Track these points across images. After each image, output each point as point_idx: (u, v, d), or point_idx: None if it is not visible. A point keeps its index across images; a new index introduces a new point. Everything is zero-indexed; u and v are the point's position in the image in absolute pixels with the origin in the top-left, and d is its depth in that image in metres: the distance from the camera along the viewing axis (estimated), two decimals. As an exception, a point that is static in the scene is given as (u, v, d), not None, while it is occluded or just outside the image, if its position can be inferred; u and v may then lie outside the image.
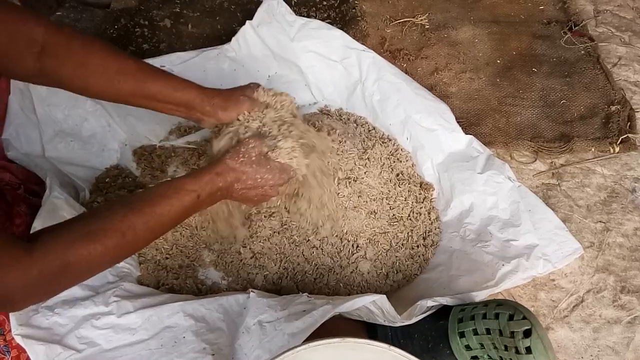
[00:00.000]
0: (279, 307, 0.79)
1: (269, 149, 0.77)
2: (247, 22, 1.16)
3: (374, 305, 0.77)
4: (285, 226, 0.94)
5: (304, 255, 0.93)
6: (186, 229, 0.94)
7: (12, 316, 0.72)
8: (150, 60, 1.12)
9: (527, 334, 0.69)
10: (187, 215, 0.73)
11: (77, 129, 1.01)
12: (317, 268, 0.93)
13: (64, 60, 0.73)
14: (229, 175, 0.75)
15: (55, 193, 0.83)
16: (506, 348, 0.71)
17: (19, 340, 0.70)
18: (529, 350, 0.69)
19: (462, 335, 0.75)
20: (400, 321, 0.78)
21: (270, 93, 0.84)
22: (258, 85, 0.85)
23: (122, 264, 0.86)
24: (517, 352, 0.70)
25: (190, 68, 1.14)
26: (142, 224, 0.65)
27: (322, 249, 0.94)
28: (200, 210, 0.76)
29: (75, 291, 0.77)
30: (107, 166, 1.04)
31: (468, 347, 0.75)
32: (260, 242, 0.93)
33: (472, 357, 0.75)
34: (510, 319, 0.72)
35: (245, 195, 0.78)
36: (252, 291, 0.82)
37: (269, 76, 1.18)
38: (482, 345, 0.74)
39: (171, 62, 1.13)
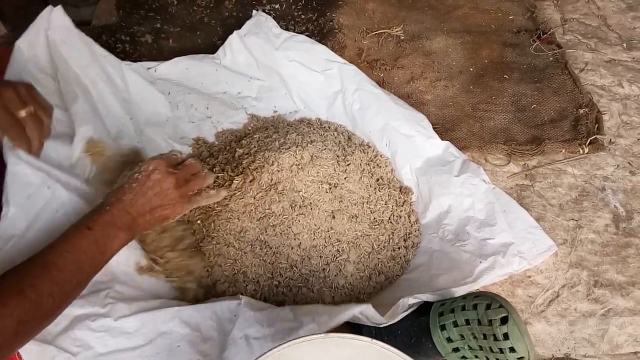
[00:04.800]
0: (266, 322, 0.79)
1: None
2: (235, 31, 1.20)
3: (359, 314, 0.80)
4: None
5: (288, 261, 0.95)
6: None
7: None
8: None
9: (504, 321, 0.72)
10: (89, 254, 0.68)
11: None
12: (302, 273, 0.95)
13: None
14: (114, 195, 0.73)
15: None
16: (485, 336, 0.74)
17: None
18: (506, 336, 0.72)
19: (443, 328, 0.78)
20: (384, 322, 0.80)
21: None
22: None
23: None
24: (496, 339, 0.72)
25: (173, 65, 1.17)
26: (48, 284, 0.62)
27: (306, 254, 0.96)
28: (107, 246, 0.71)
29: None
30: None
31: (449, 339, 0.78)
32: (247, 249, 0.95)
33: (453, 349, 0.78)
34: (487, 308, 0.74)
35: (149, 205, 0.75)
36: (241, 296, 0.83)
37: (250, 78, 1.21)
38: (462, 336, 0.76)
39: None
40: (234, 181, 0.96)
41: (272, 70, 1.19)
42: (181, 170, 0.80)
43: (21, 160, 0.77)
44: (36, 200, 0.78)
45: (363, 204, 1.02)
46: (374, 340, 0.63)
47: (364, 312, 0.78)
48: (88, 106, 0.95)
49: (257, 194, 0.95)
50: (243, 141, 1.08)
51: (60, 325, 0.72)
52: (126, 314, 0.76)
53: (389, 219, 1.02)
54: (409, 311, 0.83)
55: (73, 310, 0.73)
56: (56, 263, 0.64)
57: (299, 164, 0.98)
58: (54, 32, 0.96)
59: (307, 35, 1.22)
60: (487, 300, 0.75)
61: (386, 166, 1.11)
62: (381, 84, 1.25)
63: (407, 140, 1.09)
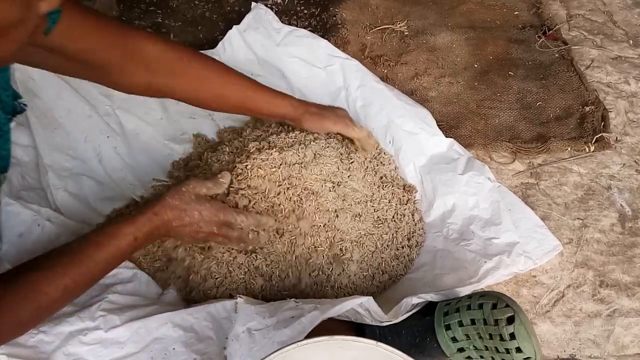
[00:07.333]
0: (267, 313, 0.79)
1: (207, 190, 0.82)
2: (234, 26, 1.18)
3: (361, 307, 0.78)
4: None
5: (290, 261, 0.94)
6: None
7: None
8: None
9: (510, 320, 0.71)
10: (125, 257, 0.76)
11: None
12: (304, 272, 0.93)
13: (178, 76, 0.82)
14: (167, 213, 0.77)
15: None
16: (491, 336, 0.73)
17: None
18: (512, 336, 0.71)
19: (448, 327, 0.77)
20: (387, 320, 0.79)
21: (357, 127, 0.96)
22: (346, 112, 0.97)
23: None
24: (502, 339, 0.71)
25: None
26: (82, 275, 0.69)
27: (309, 253, 0.94)
28: (140, 249, 0.79)
29: None
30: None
31: (454, 339, 0.77)
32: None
33: (458, 349, 0.77)
34: (493, 307, 0.73)
35: (180, 232, 0.80)
36: (239, 297, 0.83)
37: (251, 75, 1.19)
38: (467, 336, 0.75)
39: None
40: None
41: (274, 67, 1.18)
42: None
43: (14, 201, 0.84)
44: (27, 237, 0.84)
45: (366, 202, 1.00)
46: (379, 343, 0.62)
47: (366, 304, 0.77)
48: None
49: (260, 192, 0.94)
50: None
51: (54, 344, 0.72)
52: (117, 324, 0.76)
53: (393, 217, 1.01)
54: (413, 311, 0.82)
55: (64, 328, 0.74)
56: (97, 263, 0.71)
57: (301, 162, 0.97)
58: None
59: (310, 31, 1.20)
60: (493, 300, 0.74)
61: (390, 164, 1.09)
62: (385, 80, 1.23)
63: (411, 138, 1.08)
